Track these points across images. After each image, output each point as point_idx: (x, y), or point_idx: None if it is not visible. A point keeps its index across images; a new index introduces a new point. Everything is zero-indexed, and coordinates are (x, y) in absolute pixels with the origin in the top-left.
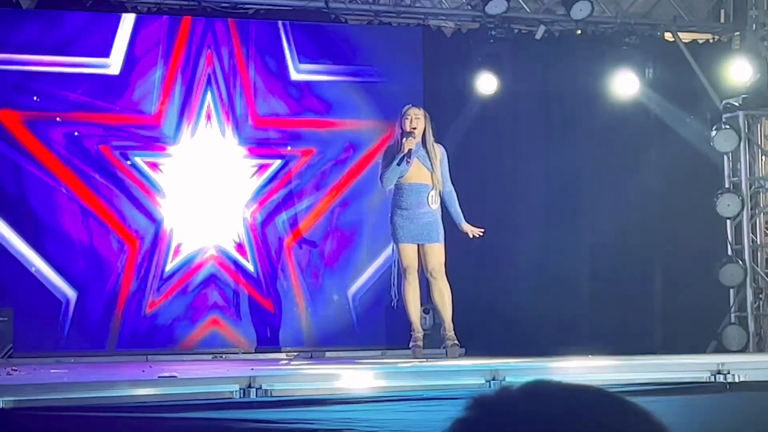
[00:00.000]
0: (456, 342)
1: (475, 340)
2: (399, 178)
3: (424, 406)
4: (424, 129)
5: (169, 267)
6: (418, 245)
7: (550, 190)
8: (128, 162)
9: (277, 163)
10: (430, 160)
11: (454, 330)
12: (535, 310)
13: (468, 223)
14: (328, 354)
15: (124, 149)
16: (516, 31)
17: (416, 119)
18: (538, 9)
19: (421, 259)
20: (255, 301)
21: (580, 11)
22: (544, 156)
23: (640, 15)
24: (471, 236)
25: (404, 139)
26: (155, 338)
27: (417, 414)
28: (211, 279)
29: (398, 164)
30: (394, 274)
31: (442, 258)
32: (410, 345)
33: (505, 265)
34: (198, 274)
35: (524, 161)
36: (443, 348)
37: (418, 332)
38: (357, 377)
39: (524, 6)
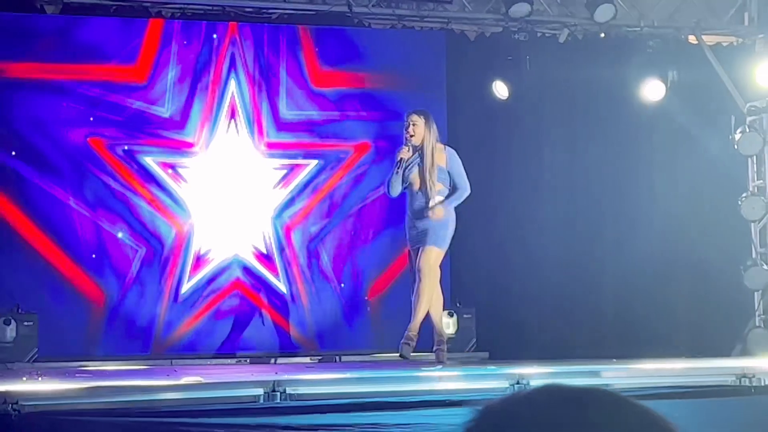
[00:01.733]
0: (407, 342)
1: (500, 344)
2: (404, 184)
3: (449, 410)
4: (424, 134)
5: (185, 288)
6: (419, 248)
7: (574, 194)
8: (137, 163)
9: (313, 163)
10: (426, 166)
11: (418, 332)
12: (560, 315)
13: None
14: (351, 358)
15: (129, 144)
16: (539, 34)
17: (414, 125)
18: (561, 12)
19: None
20: (281, 319)
21: (603, 14)
22: (567, 159)
23: (664, 18)
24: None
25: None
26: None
27: (441, 418)
28: (234, 299)
29: (395, 172)
30: (411, 280)
31: (432, 260)
32: (434, 349)
33: (530, 270)
34: (221, 300)
35: (548, 165)
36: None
37: (440, 336)
38: (381, 381)
39: (547, 9)
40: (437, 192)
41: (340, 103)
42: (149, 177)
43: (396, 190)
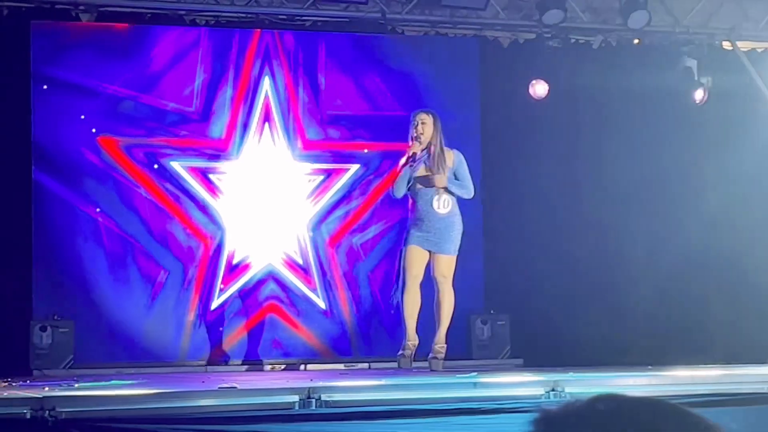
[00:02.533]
0: (436, 357)
1: (535, 351)
2: (409, 185)
3: (484, 417)
4: (432, 134)
5: (215, 304)
6: (430, 252)
7: (607, 199)
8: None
9: (354, 167)
10: (436, 165)
11: (445, 343)
12: (595, 321)
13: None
14: (386, 365)
15: (151, 149)
16: (573, 40)
17: (422, 124)
18: (595, 19)
19: (429, 266)
20: (314, 335)
21: (637, 21)
22: (601, 167)
23: (698, 24)
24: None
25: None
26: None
27: (479, 428)
28: (269, 316)
29: (401, 170)
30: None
31: (444, 269)
32: (398, 353)
33: (564, 275)
34: (255, 319)
35: (580, 170)
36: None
37: (410, 341)
38: (416, 388)
39: (581, 15)
40: (443, 192)
41: (378, 106)
42: (178, 185)
43: (401, 189)
